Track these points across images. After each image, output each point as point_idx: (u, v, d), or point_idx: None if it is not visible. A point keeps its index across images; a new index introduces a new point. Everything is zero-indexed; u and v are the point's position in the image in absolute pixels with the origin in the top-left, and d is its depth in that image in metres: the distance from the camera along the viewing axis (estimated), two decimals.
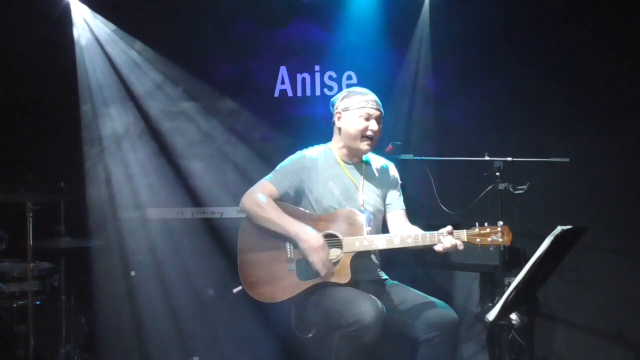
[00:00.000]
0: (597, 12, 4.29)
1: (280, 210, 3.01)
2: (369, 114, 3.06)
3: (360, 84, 4.76)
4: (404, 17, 4.76)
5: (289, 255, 3.01)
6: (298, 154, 3.18)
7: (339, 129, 3.14)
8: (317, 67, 4.93)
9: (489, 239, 2.83)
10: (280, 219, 2.98)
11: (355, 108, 3.07)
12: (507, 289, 2.51)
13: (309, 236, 2.93)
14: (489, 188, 3.36)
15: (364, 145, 3.09)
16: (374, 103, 3.09)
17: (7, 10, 4.78)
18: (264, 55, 4.98)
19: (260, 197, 3.02)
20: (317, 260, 2.90)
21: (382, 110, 3.12)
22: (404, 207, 3.25)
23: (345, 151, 3.17)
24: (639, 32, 4.22)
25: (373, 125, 3.07)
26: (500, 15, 4.45)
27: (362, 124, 3.06)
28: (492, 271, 3.81)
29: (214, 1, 4.92)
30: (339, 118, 3.14)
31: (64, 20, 4.98)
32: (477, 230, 2.85)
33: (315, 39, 4.93)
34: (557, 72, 4.41)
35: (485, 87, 4.52)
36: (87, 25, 5.03)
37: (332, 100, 3.22)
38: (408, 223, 3.21)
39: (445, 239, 2.84)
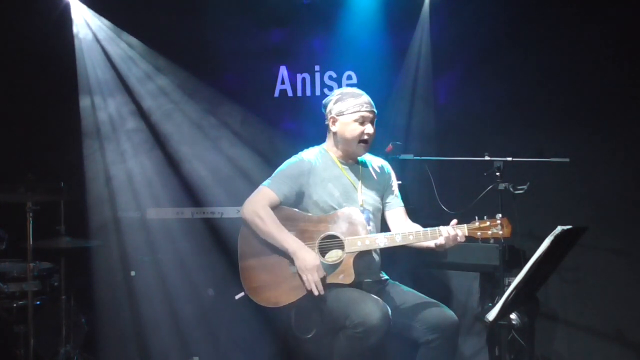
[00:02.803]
0: (596, 12, 4.29)
1: (279, 225, 2.98)
2: (363, 118, 3.03)
3: (360, 84, 4.78)
4: (404, 17, 4.76)
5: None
6: (295, 158, 3.14)
7: (334, 133, 3.10)
8: (317, 67, 4.94)
9: (489, 232, 2.86)
10: (279, 235, 2.96)
11: (350, 112, 3.03)
12: (507, 289, 2.52)
13: (306, 256, 2.91)
14: (489, 188, 3.36)
15: (360, 149, 3.08)
16: (368, 105, 3.05)
17: (6, 11, 4.79)
18: (264, 55, 4.98)
19: (260, 209, 2.98)
20: (310, 279, 2.88)
21: (376, 111, 3.09)
22: (403, 205, 3.24)
23: (341, 153, 3.14)
24: (638, 32, 4.22)
25: (369, 129, 3.04)
26: (501, 14, 4.45)
27: (358, 128, 3.03)
28: (492, 271, 3.81)
29: (214, 1, 4.92)
30: (333, 122, 3.10)
31: (64, 21, 4.98)
32: (477, 224, 2.87)
33: (315, 39, 4.93)
34: (557, 72, 4.41)
35: (486, 87, 4.52)
36: (87, 27, 5.02)
37: (323, 102, 3.16)
38: (409, 221, 3.20)
39: (446, 230, 2.85)
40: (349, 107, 3.04)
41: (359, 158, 3.20)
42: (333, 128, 3.10)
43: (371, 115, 3.06)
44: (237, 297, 3.08)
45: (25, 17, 4.86)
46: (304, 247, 2.94)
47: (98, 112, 5.00)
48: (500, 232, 2.85)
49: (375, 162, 3.28)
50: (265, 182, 3.08)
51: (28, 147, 4.90)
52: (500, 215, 2.88)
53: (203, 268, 4.46)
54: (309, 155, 3.15)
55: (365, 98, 3.07)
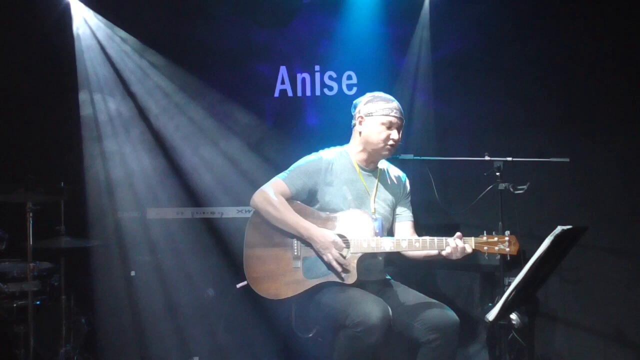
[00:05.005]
0: (596, 12, 4.29)
1: (292, 211, 3.01)
2: (391, 123, 3.03)
3: (360, 83, 4.79)
4: (404, 17, 4.76)
5: (295, 253, 3.01)
6: (314, 155, 3.14)
7: (360, 132, 3.09)
8: (317, 67, 4.93)
9: (496, 248, 2.86)
10: (293, 220, 2.98)
11: (379, 115, 3.03)
12: (507, 289, 2.52)
13: (322, 235, 2.94)
14: (489, 188, 3.35)
15: (385, 151, 3.07)
16: (398, 112, 3.05)
17: (6, 11, 4.79)
18: (264, 55, 4.98)
19: (273, 196, 3.01)
20: (331, 257, 2.92)
21: (404, 119, 3.09)
22: (413, 219, 3.24)
23: (362, 156, 3.13)
24: (639, 32, 4.22)
25: (394, 135, 3.04)
26: (500, 15, 4.45)
27: (384, 132, 3.03)
28: (492, 271, 3.81)
29: (214, 1, 4.92)
30: (360, 122, 3.09)
31: (64, 21, 4.97)
32: (485, 238, 2.88)
33: (315, 39, 4.93)
34: (557, 72, 4.41)
35: (485, 87, 4.52)
36: (88, 27, 5.02)
37: (354, 102, 3.16)
38: (415, 235, 3.20)
39: (453, 241, 2.85)
40: (378, 110, 3.04)
41: (378, 166, 3.19)
42: (359, 128, 3.09)
43: (399, 122, 3.05)
44: (238, 285, 3.10)
45: (26, 17, 4.86)
46: (318, 228, 2.96)
47: (98, 113, 4.99)
48: (507, 250, 2.86)
49: (395, 172, 3.27)
50: (281, 175, 3.09)
51: (28, 147, 4.90)
52: (508, 232, 2.89)
53: (203, 268, 4.47)
54: (329, 154, 3.14)
55: (396, 104, 3.06)
